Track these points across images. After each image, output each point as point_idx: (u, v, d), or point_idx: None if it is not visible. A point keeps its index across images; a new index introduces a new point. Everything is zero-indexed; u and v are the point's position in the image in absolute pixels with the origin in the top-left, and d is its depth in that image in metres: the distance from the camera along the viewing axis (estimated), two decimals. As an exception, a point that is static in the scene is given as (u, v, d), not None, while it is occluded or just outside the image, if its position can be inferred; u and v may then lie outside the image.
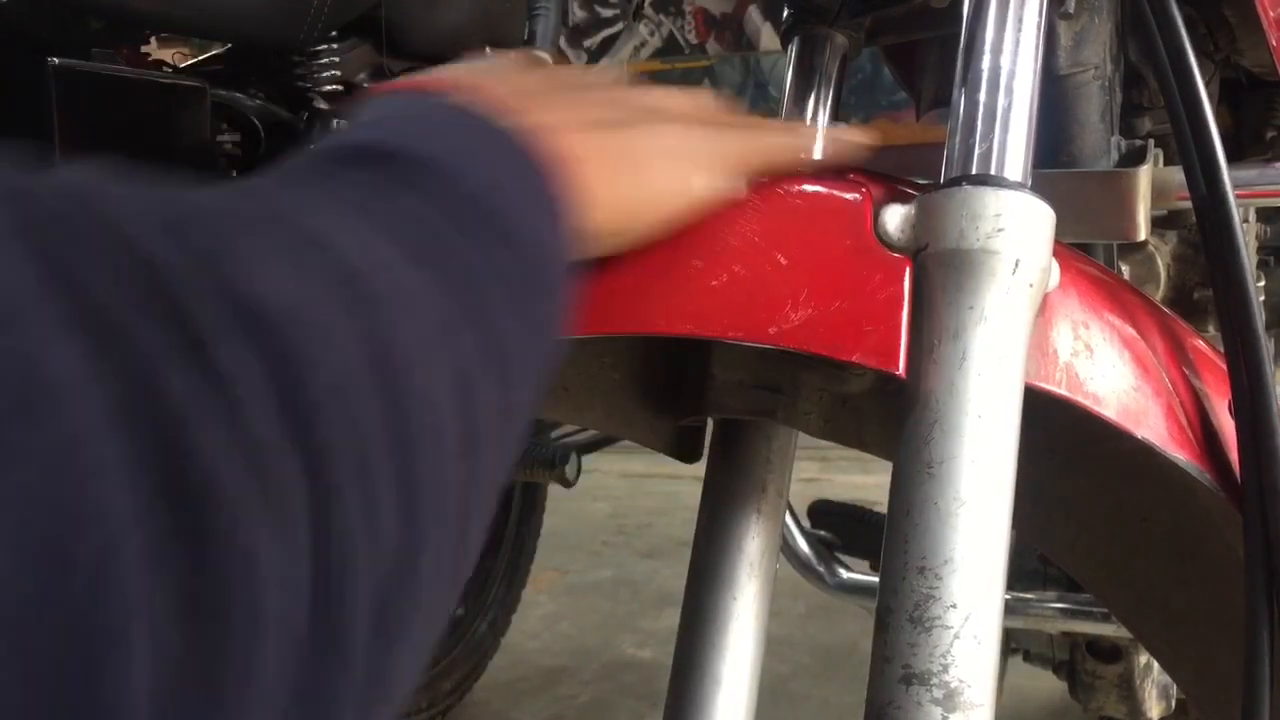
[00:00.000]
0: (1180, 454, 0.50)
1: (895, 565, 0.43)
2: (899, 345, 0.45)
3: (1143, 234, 0.69)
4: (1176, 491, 0.54)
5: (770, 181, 0.49)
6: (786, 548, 1.11)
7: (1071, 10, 0.72)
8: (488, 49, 1.60)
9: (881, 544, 0.44)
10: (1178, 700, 1.08)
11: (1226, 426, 0.51)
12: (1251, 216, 1.03)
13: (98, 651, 0.20)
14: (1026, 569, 1.01)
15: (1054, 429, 0.52)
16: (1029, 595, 1.00)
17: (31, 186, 0.24)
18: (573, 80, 0.48)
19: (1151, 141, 0.75)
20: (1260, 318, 0.50)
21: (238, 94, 1.34)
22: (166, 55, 1.44)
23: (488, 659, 1.99)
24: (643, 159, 0.45)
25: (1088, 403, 0.48)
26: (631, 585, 2.51)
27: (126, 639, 0.20)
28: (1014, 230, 0.45)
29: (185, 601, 0.21)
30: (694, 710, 0.59)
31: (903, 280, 0.46)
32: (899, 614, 0.42)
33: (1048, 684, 1.35)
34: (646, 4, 5.26)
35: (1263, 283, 1.11)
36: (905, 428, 0.44)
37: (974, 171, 0.47)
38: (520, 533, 2.04)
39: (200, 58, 1.47)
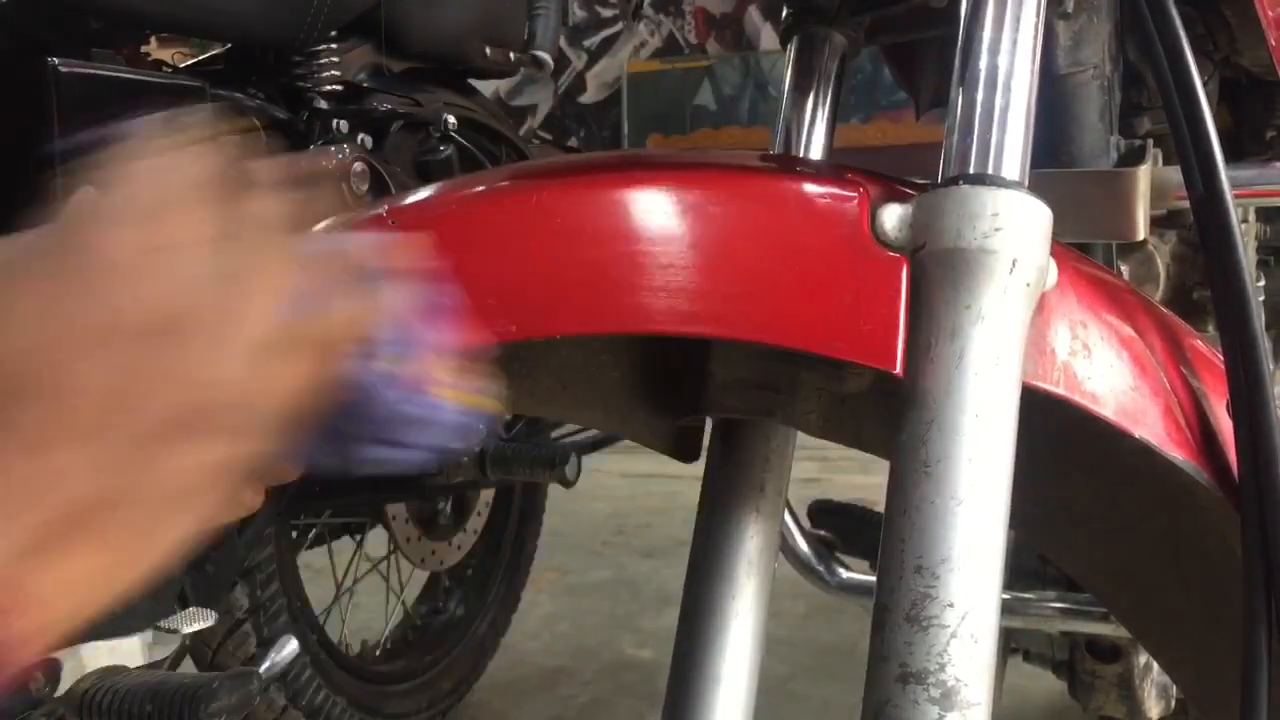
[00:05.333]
0: (1178, 453, 0.50)
1: (892, 564, 0.43)
2: (896, 344, 0.45)
3: (1142, 233, 0.69)
4: (1175, 491, 0.54)
5: (768, 180, 0.50)
6: (786, 547, 1.11)
7: (1070, 10, 0.72)
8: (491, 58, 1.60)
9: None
10: (1177, 700, 1.08)
11: (1224, 426, 0.51)
12: (1251, 216, 1.03)
13: None
14: (1026, 568, 1.00)
15: (1052, 428, 0.52)
16: (1028, 595, 1.00)
17: None
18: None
19: (1150, 141, 0.75)
20: (1259, 317, 0.50)
21: (238, 94, 1.34)
22: (166, 55, 1.44)
23: (488, 659, 1.99)
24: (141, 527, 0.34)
25: (1085, 402, 0.48)
26: (631, 585, 2.51)
27: None
28: (1011, 229, 0.45)
29: None
30: (693, 709, 0.59)
31: (900, 279, 0.46)
32: (896, 613, 0.42)
33: (1048, 684, 1.35)
34: (646, 4, 5.26)
35: (1262, 282, 1.11)
36: (902, 427, 0.44)
37: (971, 171, 0.47)
38: (520, 533, 2.04)
39: (200, 58, 1.47)
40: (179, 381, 0.34)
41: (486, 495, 1.95)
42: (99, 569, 0.34)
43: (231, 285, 0.36)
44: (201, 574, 1.27)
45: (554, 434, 1.82)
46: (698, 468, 0.66)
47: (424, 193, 0.51)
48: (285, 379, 0.36)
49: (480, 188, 0.50)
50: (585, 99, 5.63)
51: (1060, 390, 0.48)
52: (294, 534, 1.62)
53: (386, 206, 0.49)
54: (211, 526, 0.36)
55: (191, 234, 0.36)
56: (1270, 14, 0.86)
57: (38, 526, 0.32)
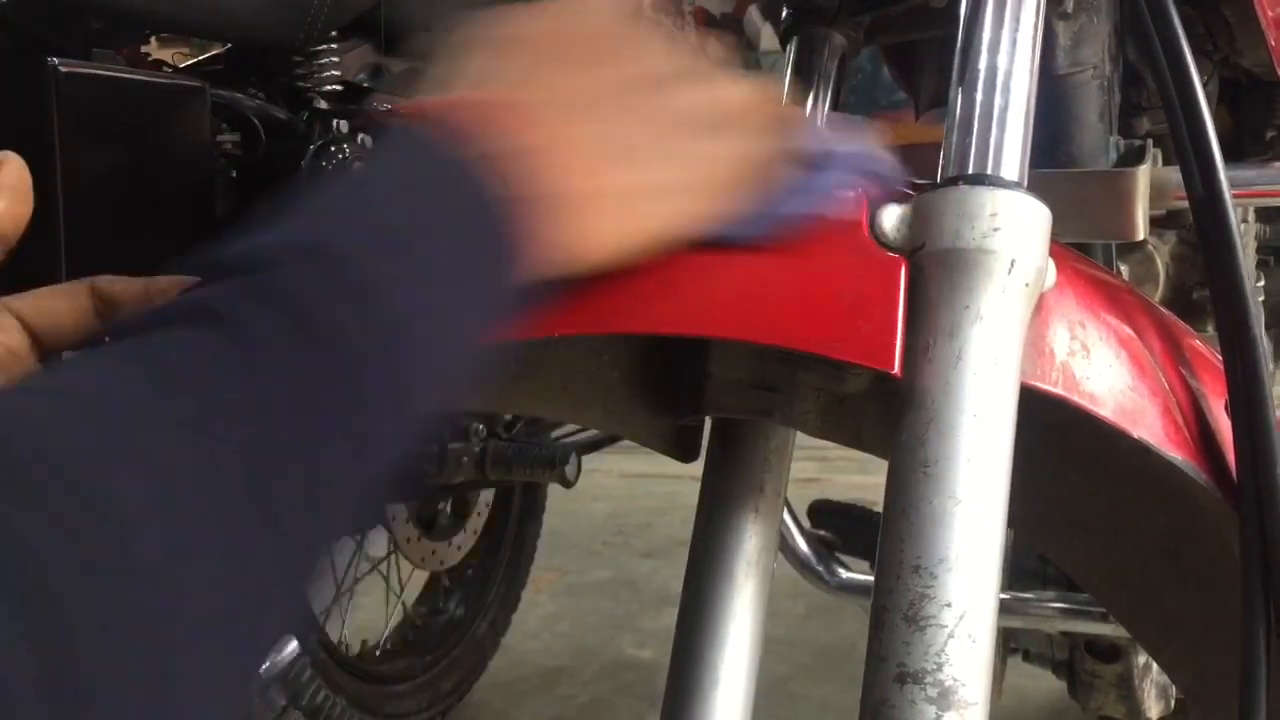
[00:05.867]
0: (1177, 454, 0.50)
1: (891, 564, 0.43)
2: (895, 345, 0.45)
3: (1141, 234, 0.69)
4: (1173, 491, 0.54)
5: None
6: (786, 547, 1.11)
7: (1069, 10, 0.72)
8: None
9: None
10: (1176, 700, 1.08)
11: (1223, 426, 0.51)
12: (1251, 216, 1.03)
13: None
14: (1025, 568, 1.01)
15: (1050, 429, 0.52)
16: (1028, 595, 1.00)
17: None
18: (619, 75, 0.46)
19: (1150, 141, 0.75)
20: (1258, 318, 0.50)
21: (238, 94, 1.34)
22: (166, 55, 1.44)
23: (488, 659, 1.99)
24: (653, 197, 0.45)
25: (1084, 402, 0.48)
26: (631, 585, 2.51)
27: None
28: (1010, 230, 0.45)
29: None
30: (692, 709, 0.59)
31: (899, 280, 0.46)
32: (894, 613, 0.42)
33: (1047, 684, 1.35)
34: (646, 4, 5.26)
35: (1261, 283, 1.11)
36: (901, 427, 0.44)
37: (970, 171, 0.47)
38: (520, 533, 2.04)
39: (200, 58, 1.48)
40: (697, 101, 0.47)
41: (486, 495, 1.95)
42: (621, 231, 0.44)
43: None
44: (201, 574, 1.27)
45: (554, 434, 1.82)
46: (697, 468, 0.66)
47: None
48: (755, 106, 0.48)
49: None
50: (586, 99, 5.62)
51: (1059, 390, 0.48)
52: (294, 534, 1.62)
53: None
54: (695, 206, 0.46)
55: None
56: (1270, 14, 0.86)
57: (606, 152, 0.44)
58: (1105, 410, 0.48)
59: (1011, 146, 0.48)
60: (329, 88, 1.39)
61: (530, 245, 0.40)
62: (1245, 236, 1.03)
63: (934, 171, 0.49)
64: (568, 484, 1.63)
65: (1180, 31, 0.52)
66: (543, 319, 0.45)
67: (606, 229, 0.44)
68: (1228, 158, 0.52)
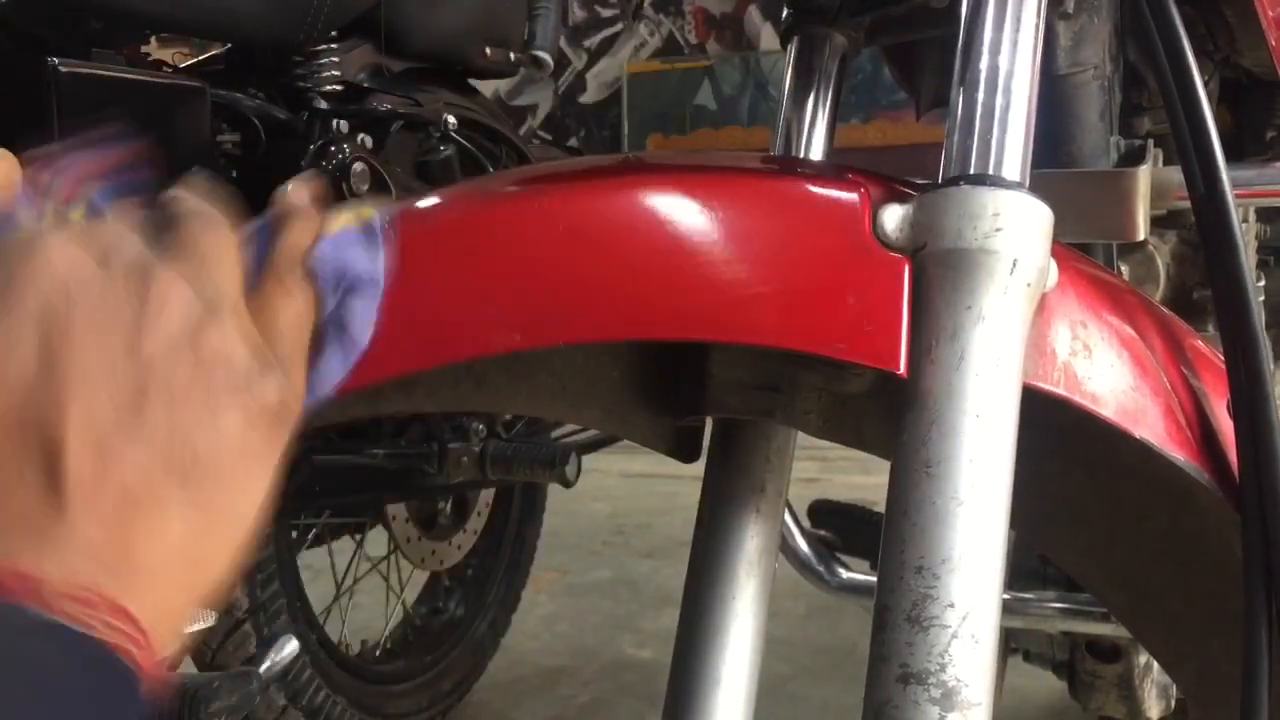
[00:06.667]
0: (1179, 454, 0.50)
1: (893, 565, 0.43)
2: (898, 345, 0.45)
3: (1142, 234, 0.69)
4: (1175, 491, 0.54)
5: (770, 182, 0.49)
6: (786, 547, 1.11)
7: (1070, 10, 0.72)
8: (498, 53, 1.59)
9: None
10: (1177, 700, 1.08)
11: (1225, 426, 0.51)
12: (1251, 216, 1.03)
13: None
14: (1026, 569, 1.00)
15: (1052, 429, 0.52)
16: (1028, 595, 1.00)
17: None
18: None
19: (1151, 141, 0.75)
20: (1259, 317, 0.50)
21: (238, 94, 1.34)
22: (166, 55, 1.44)
23: (488, 659, 1.99)
24: (211, 521, 0.36)
25: (1086, 402, 0.48)
26: (631, 585, 2.51)
27: None
28: (1012, 230, 0.45)
29: None
30: (693, 710, 0.59)
31: (901, 280, 0.46)
32: (896, 613, 0.42)
33: (1048, 684, 1.35)
34: (646, 4, 5.26)
35: (1262, 283, 1.11)
36: (903, 427, 0.44)
37: (972, 171, 0.47)
38: (521, 533, 2.04)
39: (200, 58, 1.47)
40: (186, 358, 0.36)
41: (486, 495, 1.95)
42: (189, 538, 0.35)
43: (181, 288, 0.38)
44: (201, 574, 1.27)
45: (554, 434, 1.82)
46: (698, 468, 0.66)
47: (424, 200, 0.50)
48: (279, 317, 0.40)
49: (480, 195, 0.50)
50: (585, 99, 5.63)
51: (1061, 390, 0.48)
52: (294, 534, 1.62)
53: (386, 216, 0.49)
54: (271, 473, 0.39)
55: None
56: (1270, 14, 0.86)
57: (109, 520, 0.33)
58: (1107, 410, 0.48)
59: (1013, 147, 0.48)
60: (329, 88, 1.39)
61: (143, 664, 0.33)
62: (1246, 236, 1.03)
63: (935, 172, 0.49)
64: (568, 484, 1.63)
65: (1182, 31, 0.52)
66: (547, 325, 0.45)
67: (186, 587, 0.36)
68: (1228, 158, 0.52)
